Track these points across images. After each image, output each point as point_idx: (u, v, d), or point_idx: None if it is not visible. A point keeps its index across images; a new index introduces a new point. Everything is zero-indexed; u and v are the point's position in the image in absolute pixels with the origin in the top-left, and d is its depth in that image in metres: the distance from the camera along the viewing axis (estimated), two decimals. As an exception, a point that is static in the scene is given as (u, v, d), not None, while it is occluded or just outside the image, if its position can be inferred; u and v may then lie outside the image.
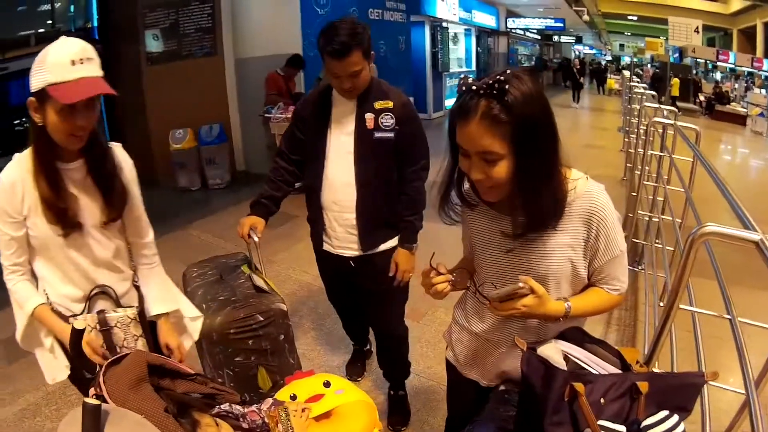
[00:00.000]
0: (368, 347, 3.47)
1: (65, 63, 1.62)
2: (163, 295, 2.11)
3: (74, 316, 1.89)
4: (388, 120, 2.42)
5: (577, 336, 1.55)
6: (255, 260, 2.82)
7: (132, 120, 7.93)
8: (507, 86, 1.29)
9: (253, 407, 1.87)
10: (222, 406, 1.80)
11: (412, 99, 2.91)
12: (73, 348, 1.73)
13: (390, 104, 2.42)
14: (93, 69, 1.68)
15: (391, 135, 2.43)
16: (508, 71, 1.32)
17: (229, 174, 7.88)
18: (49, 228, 1.80)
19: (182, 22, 7.58)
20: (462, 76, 1.40)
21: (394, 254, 2.63)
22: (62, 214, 1.79)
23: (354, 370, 3.35)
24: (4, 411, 3.23)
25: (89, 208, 1.87)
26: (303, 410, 1.81)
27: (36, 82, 1.65)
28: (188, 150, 7.64)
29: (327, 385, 1.93)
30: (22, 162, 1.79)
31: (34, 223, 1.80)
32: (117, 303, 1.98)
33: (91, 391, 1.49)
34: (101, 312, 1.92)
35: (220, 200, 7.14)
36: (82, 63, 1.64)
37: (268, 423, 1.80)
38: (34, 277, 1.90)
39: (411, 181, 2.54)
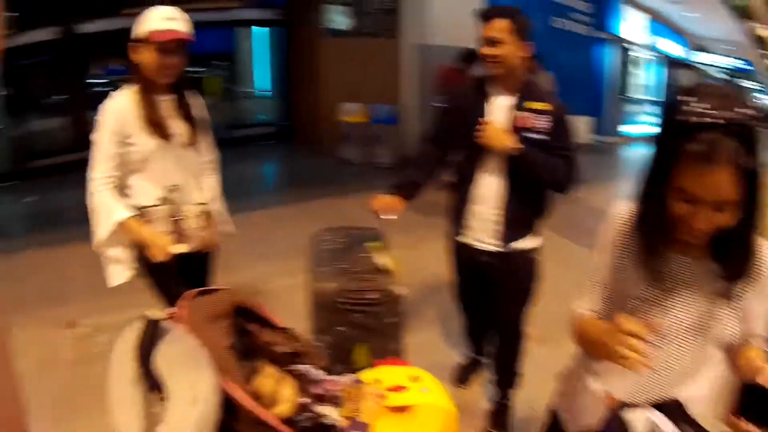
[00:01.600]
0: (481, 360, 3.28)
1: (160, 18, 2.26)
2: (217, 197, 2.73)
3: (154, 206, 2.42)
4: (542, 123, 2.36)
5: (676, 412, 1.33)
6: (384, 239, 2.74)
7: (306, 87, 8.15)
8: (753, 125, 1.09)
9: (334, 378, 1.80)
10: (300, 366, 1.76)
11: (587, 119, 2.76)
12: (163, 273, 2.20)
13: (547, 107, 2.37)
14: (180, 25, 2.29)
15: (546, 138, 2.37)
16: (745, 104, 1.10)
17: (394, 156, 7.93)
18: (149, 140, 2.35)
19: (365, 1, 7.61)
20: (688, 105, 1.13)
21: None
22: (160, 127, 2.37)
23: (460, 377, 3.21)
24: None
25: (177, 130, 2.44)
26: (379, 396, 1.71)
27: (139, 31, 2.28)
28: (357, 124, 7.75)
29: (415, 379, 1.81)
30: (125, 95, 2.36)
31: (138, 139, 2.35)
32: (188, 201, 2.52)
33: (170, 310, 1.51)
34: (175, 204, 2.46)
35: (379, 178, 7.17)
36: (171, 20, 2.27)
37: (341, 397, 1.72)
38: (121, 192, 2.39)
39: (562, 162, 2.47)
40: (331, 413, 1.71)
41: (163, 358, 1.37)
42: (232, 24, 10.55)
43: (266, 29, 10.55)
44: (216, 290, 1.75)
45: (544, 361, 3.33)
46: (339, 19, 7.85)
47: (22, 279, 4.54)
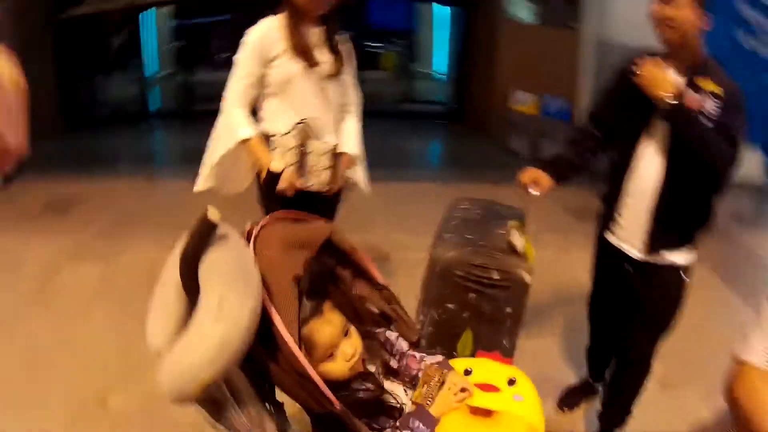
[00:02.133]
0: (596, 388, 2.80)
1: None
2: (353, 141, 2.59)
3: (284, 134, 2.33)
4: (711, 107, 1.92)
5: None
6: (526, 219, 2.35)
7: (481, 71, 7.83)
8: None
9: (419, 355, 1.49)
10: (386, 332, 1.51)
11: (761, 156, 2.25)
12: (266, 184, 2.04)
13: (718, 90, 1.93)
14: None
15: (712, 124, 1.91)
16: None
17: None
18: (293, 63, 2.34)
19: None
20: None
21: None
22: (305, 53, 2.35)
23: (568, 400, 2.75)
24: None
25: (323, 58, 2.41)
26: (462, 390, 1.37)
27: None
28: (527, 115, 7.24)
29: (512, 382, 1.44)
30: (272, 22, 2.37)
31: (281, 61, 2.34)
32: (319, 137, 2.41)
33: (248, 225, 1.35)
34: (306, 137, 2.34)
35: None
36: None
37: (419, 376, 1.45)
38: (253, 115, 2.41)
39: None
40: (398, 392, 1.42)
41: (208, 264, 1.13)
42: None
43: (447, 10, 10.48)
44: (313, 220, 1.50)
45: (663, 406, 2.78)
46: (520, 5, 7.40)
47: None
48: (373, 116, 8.88)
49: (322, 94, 2.44)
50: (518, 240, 2.19)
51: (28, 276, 3.64)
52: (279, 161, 2.29)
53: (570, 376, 2.92)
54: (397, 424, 1.32)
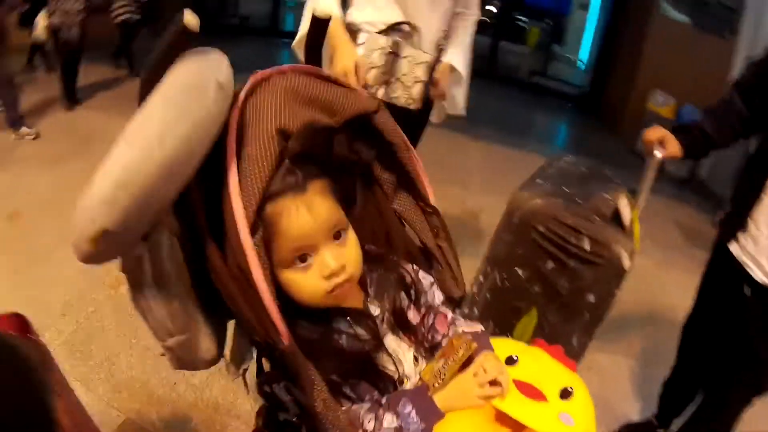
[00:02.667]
0: None
1: None
2: (461, 56, 2.07)
3: (377, 32, 1.90)
4: None
5: None
6: (643, 188, 1.76)
7: (623, 63, 7.45)
8: None
9: (452, 316, 1.03)
10: (419, 271, 1.03)
11: None
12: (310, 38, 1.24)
13: None
14: None
15: None
16: None
17: (688, 174, 6.18)
18: None
19: None
20: None
21: None
22: None
23: None
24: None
25: None
26: (493, 383, 0.91)
27: None
28: (662, 118, 6.38)
29: (565, 395, 0.96)
30: None
31: None
32: (420, 46, 1.96)
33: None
34: (402, 41, 1.91)
35: (656, 185, 5.51)
36: None
37: (443, 344, 0.98)
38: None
39: None
40: (403, 357, 0.97)
41: (164, 80, 0.74)
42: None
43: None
44: (353, 91, 1.03)
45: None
46: (675, 3, 6.85)
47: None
48: (504, 83, 8.45)
49: None
50: (626, 211, 1.66)
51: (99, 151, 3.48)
52: (362, 61, 1.81)
53: (634, 409, 2.36)
54: (382, 400, 0.89)
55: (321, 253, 0.86)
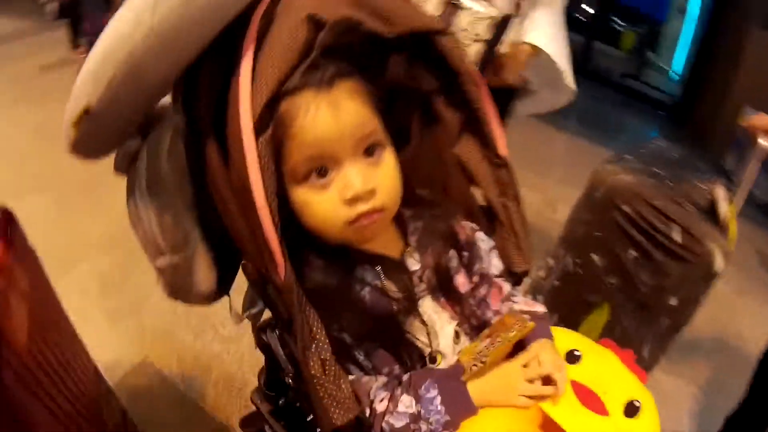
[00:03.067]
0: None
1: None
2: (543, 31, 1.48)
3: None
4: None
5: None
6: (743, 182, 1.51)
7: (718, 75, 6.89)
8: None
9: (509, 291, 0.82)
10: (475, 232, 0.83)
11: None
12: None
13: None
14: None
15: None
16: None
17: None
18: None
19: None
20: None
21: None
22: None
23: None
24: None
25: None
26: (545, 380, 0.71)
27: None
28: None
29: (631, 411, 0.75)
30: None
31: None
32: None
33: None
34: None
35: (750, 213, 4.83)
36: None
37: (492, 322, 0.78)
38: None
39: None
40: (439, 328, 0.78)
41: None
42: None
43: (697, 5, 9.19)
44: (416, 6, 0.82)
45: None
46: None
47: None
48: (596, 81, 8.09)
49: None
50: (723, 205, 1.40)
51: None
52: None
53: None
54: (403, 377, 0.71)
55: (345, 170, 0.67)
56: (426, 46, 0.78)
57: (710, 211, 1.38)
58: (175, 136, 0.70)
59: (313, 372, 0.64)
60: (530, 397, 0.70)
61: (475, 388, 0.69)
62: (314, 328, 0.65)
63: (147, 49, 0.59)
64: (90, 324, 1.71)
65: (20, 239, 0.88)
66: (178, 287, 0.76)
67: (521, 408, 0.70)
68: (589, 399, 0.74)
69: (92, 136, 0.66)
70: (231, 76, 0.63)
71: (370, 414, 0.68)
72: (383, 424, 0.67)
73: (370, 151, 0.68)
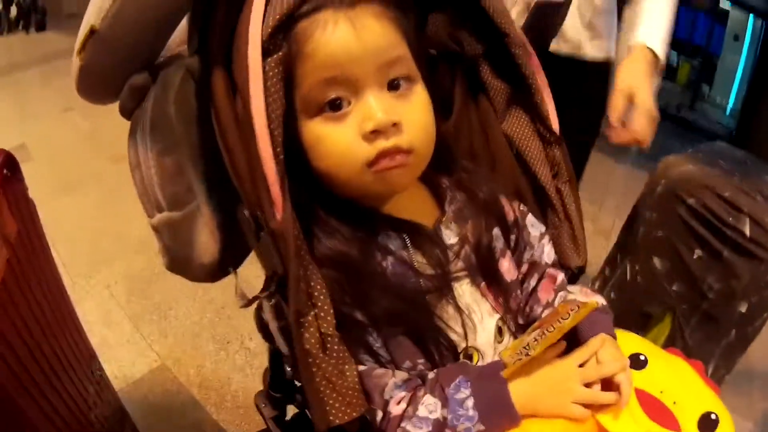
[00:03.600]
0: None
1: None
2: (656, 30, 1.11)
3: None
4: None
5: None
6: None
7: None
8: None
9: (562, 280, 0.71)
10: (528, 215, 0.72)
11: None
12: None
13: None
14: None
15: None
16: None
17: None
18: None
19: None
20: None
21: None
22: None
23: None
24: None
25: None
26: (605, 385, 0.57)
27: None
28: None
29: (707, 426, 0.60)
30: None
31: None
32: None
33: None
34: None
35: None
36: None
37: (547, 310, 0.67)
38: None
39: None
40: (478, 318, 0.63)
41: None
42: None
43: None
44: None
45: None
46: None
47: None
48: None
49: None
50: None
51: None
52: None
53: None
54: (429, 374, 0.58)
55: (365, 99, 0.56)
56: (471, 6, 0.68)
57: None
58: (186, 77, 0.62)
59: (307, 347, 0.52)
60: (587, 405, 0.56)
61: (518, 391, 0.55)
62: (315, 292, 0.53)
63: None
64: (113, 325, 1.69)
65: (17, 185, 0.84)
66: (177, 254, 0.67)
67: (574, 420, 0.56)
68: (657, 410, 0.60)
69: (98, 65, 0.60)
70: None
71: (383, 418, 0.55)
72: (390, 427, 0.54)
73: (396, 84, 0.57)
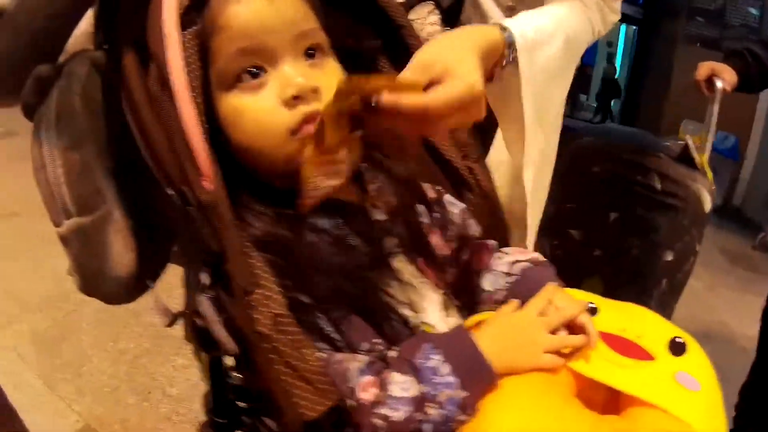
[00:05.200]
0: None
1: None
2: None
3: None
4: None
5: None
6: (709, 125, 1.49)
7: (651, 94, 7.39)
8: None
9: (494, 244, 0.69)
10: (444, 195, 0.69)
11: None
12: None
13: None
14: None
15: None
16: None
17: (721, 199, 5.87)
18: None
19: (729, 12, 6.50)
20: None
21: None
22: None
23: None
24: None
25: None
26: (571, 327, 0.54)
27: None
28: (695, 146, 6.11)
29: (677, 349, 0.58)
30: None
31: None
32: None
33: None
34: None
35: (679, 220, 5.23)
36: None
37: (489, 275, 0.65)
38: None
39: None
40: (419, 298, 0.59)
41: None
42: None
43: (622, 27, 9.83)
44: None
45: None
46: (696, 25, 6.88)
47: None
48: None
49: None
50: (695, 152, 1.31)
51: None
52: None
53: None
54: (389, 353, 0.52)
55: (282, 67, 0.55)
56: (366, 3, 0.68)
57: (684, 159, 1.27)
58: (91, 70, 0.59)
59: (261, 329, 0.47)
60: (557, 353, 0.53)
61: (488, 350, 0.51)
62: (257, 270, 0.48)
63: None
64: (25, 388, 1.57)
65: None
66: (89, 269, 0.61)
67: (548, 371, 0.52)
68: (625, 346, 0.58)
69: (3, 50, 0.59)
70: None
71: (354, 408, 0.49)
72: (375, 419, 0.48)
73: (311, 53, 0.56)
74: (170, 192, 0.51)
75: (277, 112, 0.53)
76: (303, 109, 0.52)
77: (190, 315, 0.57)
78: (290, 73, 0.54)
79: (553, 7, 0.92)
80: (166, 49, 0.50)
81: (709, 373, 0.58)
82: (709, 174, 1.29)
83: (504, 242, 0.72)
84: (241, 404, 0.58)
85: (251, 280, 0.48)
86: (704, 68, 1.53)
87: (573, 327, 0.55)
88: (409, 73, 0.57)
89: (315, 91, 0.53)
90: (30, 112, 0.61)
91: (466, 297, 0.65)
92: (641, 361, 0.56)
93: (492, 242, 0.68)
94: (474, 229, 0.68)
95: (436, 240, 0.64)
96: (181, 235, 0.57)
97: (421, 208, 0.64)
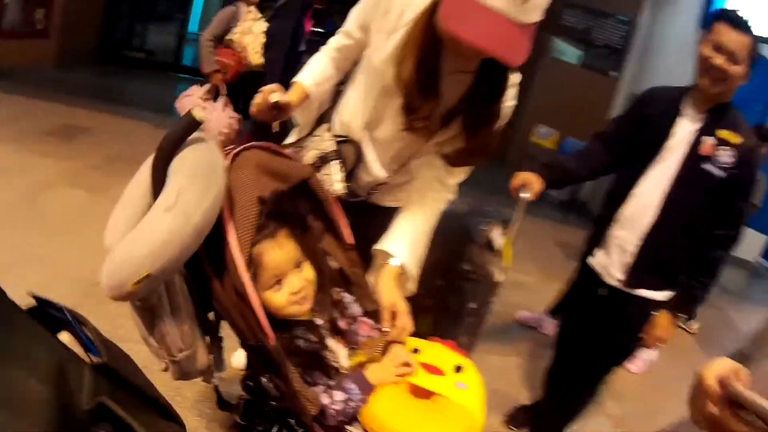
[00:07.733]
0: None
1: None
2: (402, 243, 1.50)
3: (338, 138, 1.55)
4: (726, 157, 1.79)
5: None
6: (514, 221, 2.12)
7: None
8: None
9: (370, 323, 1.33)
10: (342, 293, 1.35)
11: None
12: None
13: (738, 140, 1.80)
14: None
15: (723, 175, 1.80)
16: None
17: (569, 196, 6.94)
18: (388, 62, 1.37)
19: (595, 33, 7.05)
20: None
21: (654, 314, 1.95)
22: (422, 68, 1.32)
23: (518, 418, 2.52)
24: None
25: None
26: (405, 364, 1.22)
27: None
28: (545, 149, 7.01)
29: (458, 370, 1.28)
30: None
31: (376, 41, 1.43)
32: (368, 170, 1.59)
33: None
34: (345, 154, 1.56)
35: (540, 211, 5.60)
36: None
37: (363, 344, 1.29)
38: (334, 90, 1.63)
39: (713, 246, 1.90)
40: (339, 354, 1.25)
41: (179, 159, 1.02)
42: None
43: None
44: (296, 159, 1.36)
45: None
46: (567, 47, 7.33)
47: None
48: None
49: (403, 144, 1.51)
50: (498, 239, 2.03)
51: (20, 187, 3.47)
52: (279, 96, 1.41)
53: (525, 396, 2.74)
54: (332, 383, 1.17)
55: (289, 278, 1.15)
56: (303, 186, 1.31)
57: (489, 244, 1.99)
58: (180, 278, 1.09)
59: (298, 388, 1.09)
60: (401, 375, 1.20)
61: (371, 376, 1.17)
62: (289, 369, 1.11)
63: (194, 237, 0.97)
64: None
65: None
66: (187, 371, 1.13)
67: (398, 382, 1.19)
68: (432, 370, 1.25)
69: (144, 289, 0.96)
70: (218, 241, 1.06)
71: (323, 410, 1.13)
72: (329, 410, 1.13)
73: (299, 265, 1.19)
74: (249, 344, 1.11)
75: (288, 300, 1.15)
76: (298, 297, 1.17)
77: (245, 379, 1.18)
78: (294, 281, 1.16)
79: (423, 223, 1.50)
80: (246, 287, 1.05)
81: (476, 382, 1.25)
82: (508, 254, 2.00)
83: (374, 312, 1.37)
84: (272, 403, 1.18)
85: (291, 372, 1.10)
86: (517, 179, 2.00)
87: (406, 363, 1.22)
88: (386, 315, 1.30)
89: (303, 286, 1.18)
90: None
91: (356, 349, 1.29)
92: (440, 375, 1.24)
93: (369, 320, 1.33)
94: (359, 311, 1.34)
95: (341, 323, 1.29)
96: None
97: (334, 309, 1.30)
